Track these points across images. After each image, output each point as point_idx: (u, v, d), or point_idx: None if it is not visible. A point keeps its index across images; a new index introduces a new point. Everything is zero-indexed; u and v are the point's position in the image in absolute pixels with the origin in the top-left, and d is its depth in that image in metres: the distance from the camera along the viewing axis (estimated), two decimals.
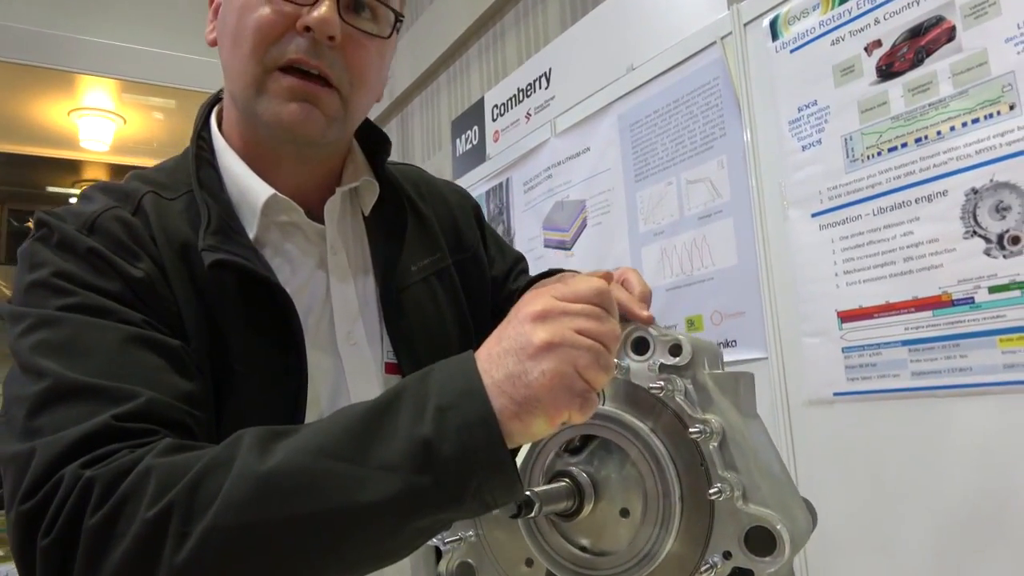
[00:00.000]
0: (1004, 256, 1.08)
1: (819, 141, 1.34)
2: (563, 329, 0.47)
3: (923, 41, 1.20)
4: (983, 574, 1.08)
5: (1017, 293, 1.06)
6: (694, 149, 1.59)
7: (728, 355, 1.48)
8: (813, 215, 1.35)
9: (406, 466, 0.45)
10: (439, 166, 2.69)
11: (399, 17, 0.70)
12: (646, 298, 0.65)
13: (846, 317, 1.28)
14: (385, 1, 0.68)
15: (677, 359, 0.55)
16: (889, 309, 1.22)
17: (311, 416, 0.66)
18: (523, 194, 2.12)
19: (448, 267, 0.82)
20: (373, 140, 0.80)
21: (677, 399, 0.53)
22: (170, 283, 0.62)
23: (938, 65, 1.17)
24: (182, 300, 0.62)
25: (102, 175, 4.57)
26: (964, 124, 1.14)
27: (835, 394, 1.29)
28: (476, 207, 0.93)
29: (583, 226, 1.87)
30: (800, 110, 1.38)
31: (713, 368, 0.55)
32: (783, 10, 1.42)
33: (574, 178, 1.91)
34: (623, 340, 0.57)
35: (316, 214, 0.73)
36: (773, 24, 1.44)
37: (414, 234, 0.79)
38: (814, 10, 1.37)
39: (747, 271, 1.46)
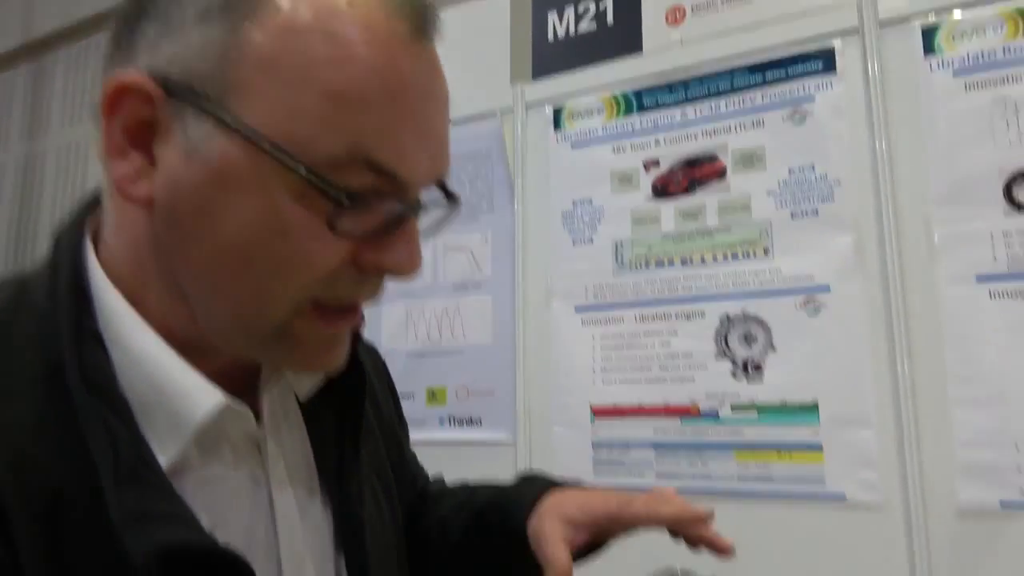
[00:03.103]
0: (747, 380, 1.24)
1: (591, 240, 1.40)
2: None
3: (697, 173, 1.33)
4: None
5: (754, 414, 1.22)
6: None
7: (471, 433, 1.45)
8: (577, 309, 1.39)
9: None
10: None
11: (454, 202, 0.48)
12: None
13: (599, 412, 1.34)
14: (450, 190, 0.47)
15: None
16: (641, 411, 1.31)
17: None
18: None
19: (384, 460, 0.58)
20: None
21: None
22: None
23: (708, 198, 1.31)
24: None
25: None
26: (725, 257, 1.28)
27: None
28: (385, 366, 0.68)
29: None
30: (575, 204, 1.42)
31: None
32: (567, 103, 1.46)
33: None
34: None
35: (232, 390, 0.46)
36: (557, 115, 1.47)
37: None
38: (598, 113, 1.43)
39: (502, 352, 1.45)
